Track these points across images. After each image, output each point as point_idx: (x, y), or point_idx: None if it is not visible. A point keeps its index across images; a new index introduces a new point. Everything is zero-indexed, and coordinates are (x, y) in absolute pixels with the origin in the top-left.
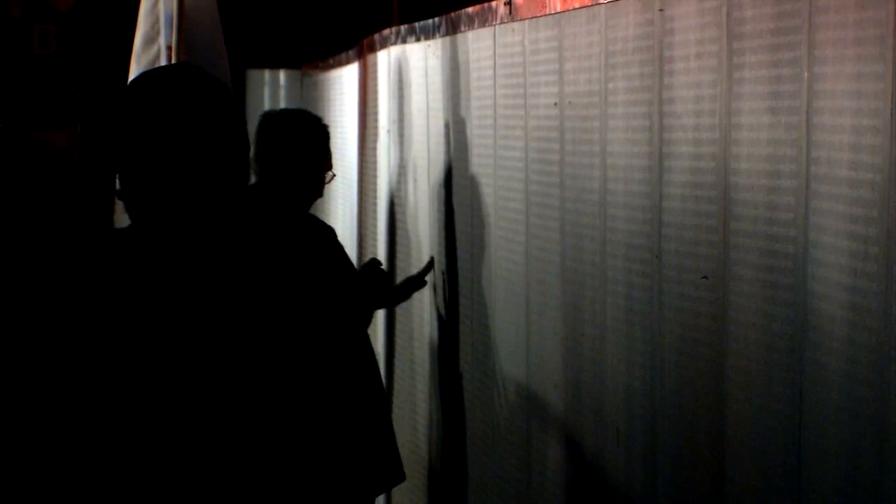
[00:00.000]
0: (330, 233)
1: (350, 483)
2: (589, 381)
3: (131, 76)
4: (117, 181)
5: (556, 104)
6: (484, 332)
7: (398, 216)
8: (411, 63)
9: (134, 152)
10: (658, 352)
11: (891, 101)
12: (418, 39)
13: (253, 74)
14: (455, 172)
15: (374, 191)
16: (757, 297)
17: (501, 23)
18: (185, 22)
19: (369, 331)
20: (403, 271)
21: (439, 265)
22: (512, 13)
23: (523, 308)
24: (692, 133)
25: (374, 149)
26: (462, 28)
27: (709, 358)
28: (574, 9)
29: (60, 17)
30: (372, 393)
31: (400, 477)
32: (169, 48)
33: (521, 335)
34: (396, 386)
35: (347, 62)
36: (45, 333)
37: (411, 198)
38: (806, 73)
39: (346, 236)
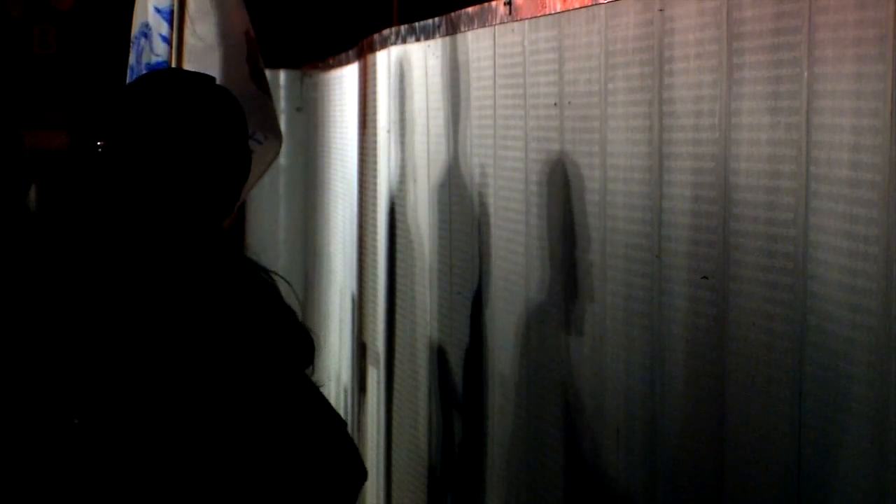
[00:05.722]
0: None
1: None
2: (589, 380)
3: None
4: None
5: (556, 104)
6: (484, 332)
7: (398, 216)
8: (411, 63)
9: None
10: (658, 352)
11: (891, 101)
12: (418, 39)
13: None
14: (455, 172)
15: (374, 191)
16: (757, 297)
17: (501, 23)
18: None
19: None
20: (404, 272)
21: (439, 265)
22: (512, 13)
23: (523, 308)
24: (692, 133)
25: (374, 149)
26: (462, 28)
27: (709, 358)
28: (574, 9)
29: (60, 17)
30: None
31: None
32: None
33: (521, 335)
34: (396, 386)
35: (347, 62)
36: None
37: (411, 198)
38: (806, 73)
39: (347, 236)
